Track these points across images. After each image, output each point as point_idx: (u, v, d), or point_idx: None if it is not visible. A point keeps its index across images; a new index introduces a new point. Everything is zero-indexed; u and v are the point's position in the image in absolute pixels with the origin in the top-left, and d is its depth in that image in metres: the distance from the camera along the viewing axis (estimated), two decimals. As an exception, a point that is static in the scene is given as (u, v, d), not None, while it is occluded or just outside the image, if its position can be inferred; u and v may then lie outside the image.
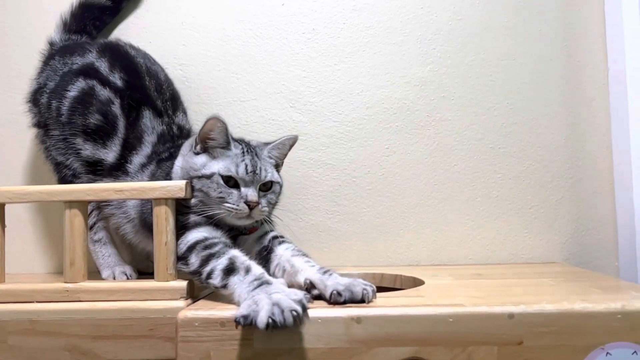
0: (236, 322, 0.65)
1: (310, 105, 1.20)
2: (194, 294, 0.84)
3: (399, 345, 0.68)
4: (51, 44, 1.10)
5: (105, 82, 0.99)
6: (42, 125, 1.03)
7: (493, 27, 1.19)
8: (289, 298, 0.67)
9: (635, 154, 1.07)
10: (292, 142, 0.96)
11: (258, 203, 0.85)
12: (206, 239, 0.82)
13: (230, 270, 0.75)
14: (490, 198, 1.18)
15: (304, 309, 0.66)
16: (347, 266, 1.16)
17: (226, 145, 0.88)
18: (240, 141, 0.92)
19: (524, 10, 1.19)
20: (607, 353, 0.67)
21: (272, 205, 0.92)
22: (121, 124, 0.98)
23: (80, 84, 0.99)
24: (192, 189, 0.87)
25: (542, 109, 1.18)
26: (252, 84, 1.20)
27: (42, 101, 1.03)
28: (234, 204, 0.85)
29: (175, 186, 0.83)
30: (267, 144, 0.95)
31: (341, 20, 1.21)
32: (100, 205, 1.01)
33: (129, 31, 1.21)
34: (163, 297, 0.81)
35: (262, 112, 1.20)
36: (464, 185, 1.18)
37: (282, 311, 0.64)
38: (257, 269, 0.75)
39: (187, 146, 0.92)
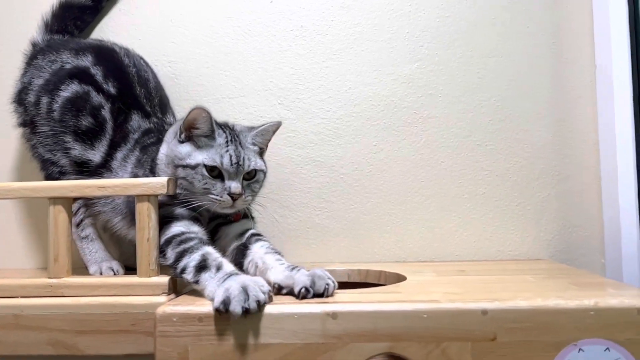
0: (218, 310, 0.70)
1: (299, 102, 1.21)
2: (176, 289, 0.85)
3: (374, 340, 0.69)
4: (34, 44, 1.11)
5: (99, 89, 1.00)
6: (29, 123, 1.04)
7: (481, 24, 1.19)
8: (257, 285, 0.72)
9: (621, 151, 1.08)
10: (275, 128, 0.96)
11: (241, 194, 0.87)
12: (182, 233, 0.84)
13: (202, 267, 0.78)
14: (476, 195, 1.18)
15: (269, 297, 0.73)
16: (334, 262, 1.17)
17: (210, 134, 0.89)
18: (224, 127, 0.92)
19: (511, 7, 1.19)
20: (580, 349, 0.67)
21: (256, 193, 0.93)
22: (109, 126, 0.99)
23: (75, 87, 1.00)
24: (176, 179, 0.88)
25: (529, 106, 1.18)
26: (240, 81, 1.21)
27: (28, 99, 1.03)
28: (217, 195, 0.86)
29: (157, 183, 0.84)
30: (251, 128, 0.95)
31: (329, 17, 1.21)
32: (88, 203, 1.02)
33: (118, 28, 1.21)
34: (145, 292, 0.82)
35: (251, 109, 1.21)
36: (451, 182, 1.18)
37: (248, 297, 0.70)
38: (227, 267, 0.78)
39: (171, 133, 0.93)
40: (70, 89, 1.00)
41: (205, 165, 0.86)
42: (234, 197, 0.86)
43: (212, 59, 1.21)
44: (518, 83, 1.18)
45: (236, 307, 0.69)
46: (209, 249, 0.81)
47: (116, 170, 0.96)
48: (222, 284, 0.73)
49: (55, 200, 0.86)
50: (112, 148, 0.98)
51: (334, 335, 0.69)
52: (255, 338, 0.70)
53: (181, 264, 0.79)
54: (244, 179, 0.89)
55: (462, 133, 1.19)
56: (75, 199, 1.02)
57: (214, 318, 0.70)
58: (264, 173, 0.95)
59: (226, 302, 0.69)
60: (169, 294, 0.82)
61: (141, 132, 1.00)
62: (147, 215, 0.84)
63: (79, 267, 1.01)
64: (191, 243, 0.81)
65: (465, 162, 1.18)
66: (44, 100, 1.01)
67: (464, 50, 1.19)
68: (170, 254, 0.82)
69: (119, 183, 0.85)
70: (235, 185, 0.87)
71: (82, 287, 0.84)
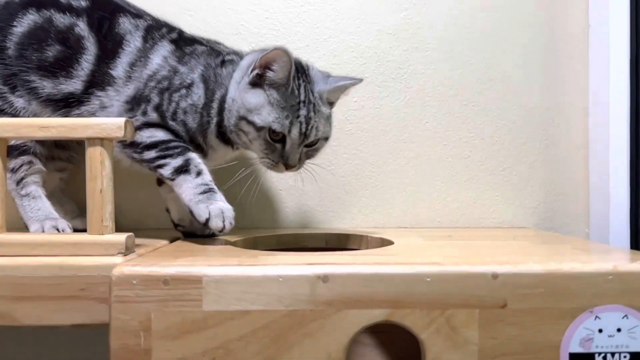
0: (207, 220, 0.76)
1: (273, 50, 1.09)
2: (134, 249, 0.73)
3: (370, 307, 0.60)
4: None
5: (65, 9, 0.85)
6: None
7: (473, -26, 1.10)
8: (229, 212, 0.77)
9: (614, 116, 1.02)
10: (354, 84, 0.88)
11: (296, 166, 0.83)
12: (170, 141, 0.82)
13: (183, 170, 0.79)
14: (461, 158, 1.11)
15: None
16: (310, 227, 1.08)
17: (285, 84, 0.80)
18: (300, 77, 0.82)
19: (505, -42, 1.11)
20: (596, 317, 0.61)
21: (312, 158, 0.88)
22: (91, 42, 0.85)
23: (32, 17, 0.84)
24: (234, 125, 0.83)
25: (519, 65, 1.11)
26: (207, 22, 1.08)
27: None
28: (272, 160, 0.83)
29: (113, 124, 0.71)
30: (326, 78, 0.86)
31: (309, -43, 1.09)
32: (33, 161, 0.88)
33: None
34: (97, 252, 0.70)
35: (219, 56, 1.08)
36: (435, 144, 1.11)
37: (224, 220, 0.76)
38: (207, 176, 0.79)
39: (241, 71, 0.83)
40: (26, 22, 0.84)
41: (270, 129, 0.80)
42: (287, 167, 0.83)
43: (175, -3, 1.07)
44: (508, 41, 1.11)
45: (217, 226, 0.76)
46: (193, 155, 0.81)
47: (124, 78, 0.84)
48: (199, 197, 0.77)
49: (-15, 141, 0.71)
50: (105, 60, 0.85)
51: (325, 301, 0.60)
52: (231, 304, 0.60)
53: (161, 162, 0.80)
54: (305, 146, 0.84)
55: (449, 92, 1.10)
56: (17, 153, 0.87)
57: (182, 281, 0.59)
58: (327, 139, 0.88)
59: (209, 218, 0.75)
60: (125, 254, 0.70)
61: (143, 29, 0.87)
62: (99, 162, 0.71)
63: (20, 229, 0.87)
64: (177, 150, 0.80)
65: (450, 124, 1.11)
66: None
67: (454, 3, 1.10)
68: (152, 154, 0.80)
69: (66, 123, 0.71)
70: (293, 158, 0.82)
71: (20, 245, 0.70)
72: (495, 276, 0.61)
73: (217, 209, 0.76)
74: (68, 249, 0.70)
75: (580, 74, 1.11)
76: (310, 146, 0.85)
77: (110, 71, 0.85)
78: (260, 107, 0.80)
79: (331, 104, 0.88)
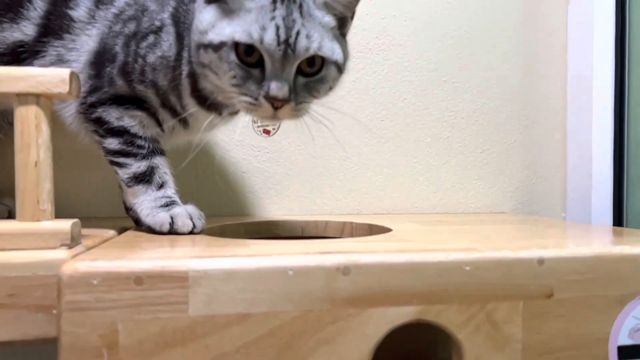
0: (170, 224, 0.63)
1: (233, 11, 0.94)
2: (80, 240, 0.57)
3: (399, 304, 0.49)
4: None
5: None
6: None
7: (453, -60, 1.02)
8: (197, 212, 0.66)
9: (598, 95, 0.98)
10: None
11: (287, 100, 0.56)
12: (137, 136, 0.66)
13: (144, 180, 0.66)
14: (440, 139, 1.03)
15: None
16: (278, 214, 0.95)
17: None
18: None
19: None
20: (646, 305, 0.54)
21: (318, 97, 0.61)
22: None
23: None
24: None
25: (499, 40, 1.04)
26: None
27: None
28: (252, 97, 0.56)
29: (54, 76, 0.54)
30: None
31: None
32: None
33: None
34: (31, 244, 0.52)
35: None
36: (413, 124, 1.01)
37: (191, 218, 0.64)
38: (170, 189, 0.67)
39: None
40: None
41: (236, 44, 0.55)
42: (275, 103, 0.56)
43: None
44: (489, 13, 1.04)
45: (185, 225, 0.63)
46: (159, 162, 0.67)
47: (86, 22, 0.66)
48: (164, 211, 0.64)
49: None
50: (59, 4, 0.66)
51: (345, 299, 0.48)
52: (227, 306, 0.46)
53: (121, 159, 0.66)
54: (299, 72, 0.57)
55: (428, 66, 1.02)
56: None
57: (161, 278, 0.45)
58: (338, 65, 0.60)
59: (172, 222, 0.63)
60: (70, 247, 0.54)
61: None
62: (34, 126, 0.54)
63: None
64: (142, 151, 0.66)
65: (429, 101, 1.02)
66: None
67: (433, -32, 1.02)
68: (114, 144, 0.66)
69: (-12, 73, 0.54)
70: (277, 86, 0.55)
71: None
72: (541, 262, 0.52)
73: (180, 209, 0.65)
74: (-10, 241, 0.52)
75: (559, 51, 1.06)
76: (311, 73, 0.58)
77: (69, 11, 0.66)
78: (215, 20, 0.57)
79: (343, 22, 0.61)
